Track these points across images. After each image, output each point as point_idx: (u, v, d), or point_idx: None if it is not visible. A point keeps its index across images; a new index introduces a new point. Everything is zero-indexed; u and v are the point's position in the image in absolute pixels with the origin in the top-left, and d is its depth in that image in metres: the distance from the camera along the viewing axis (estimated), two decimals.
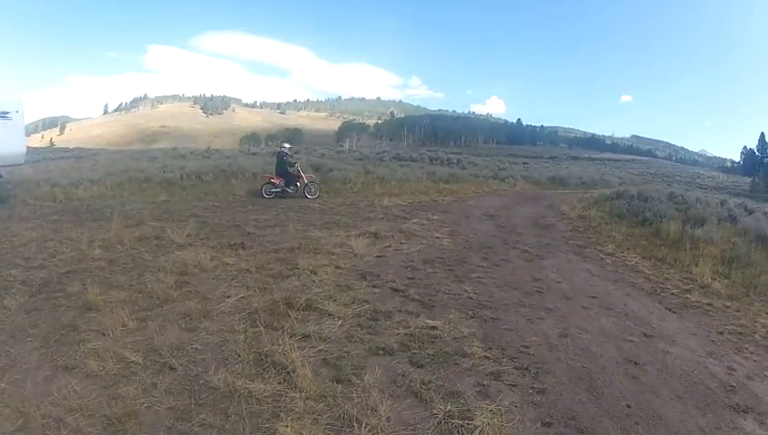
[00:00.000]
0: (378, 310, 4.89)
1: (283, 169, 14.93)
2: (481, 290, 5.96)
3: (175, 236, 7.54)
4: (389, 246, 7.89)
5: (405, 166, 25.77)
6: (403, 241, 8.34)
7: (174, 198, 12.70)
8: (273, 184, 14.59)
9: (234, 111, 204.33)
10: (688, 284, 7.21)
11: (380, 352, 4.01)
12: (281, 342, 3.91)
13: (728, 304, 6.33)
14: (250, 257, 6.63)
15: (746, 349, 4.91)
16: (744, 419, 3.55)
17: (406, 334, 4.37)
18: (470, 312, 5.15)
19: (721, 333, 5.30)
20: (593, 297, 6.13)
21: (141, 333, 4.16)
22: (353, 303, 5.03)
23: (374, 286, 5.70)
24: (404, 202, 13.92)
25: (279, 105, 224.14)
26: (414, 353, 4.01)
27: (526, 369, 3.92)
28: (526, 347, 4.35)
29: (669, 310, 5.99)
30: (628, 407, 3.53)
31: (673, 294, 6.69)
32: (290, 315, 4.46)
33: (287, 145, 16.61)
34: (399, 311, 4.95)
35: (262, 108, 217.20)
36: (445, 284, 6.11)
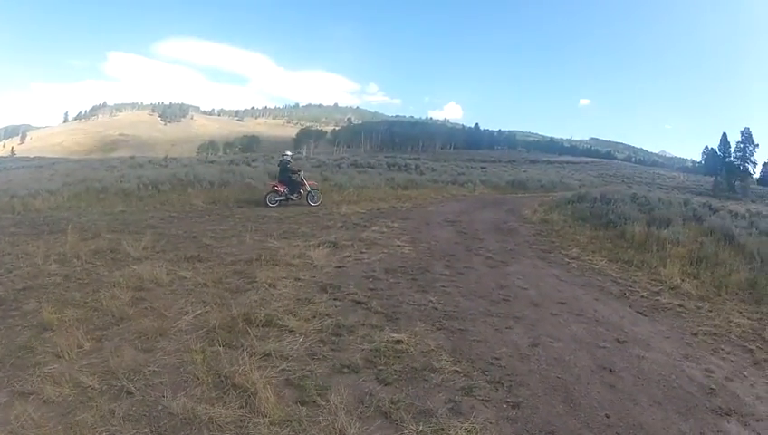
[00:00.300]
0: (340, 324, 4.88)
1: (286, 176, 15.63)
2: (446, 300, 5.98)
3: (131, 249, 7.59)
4: (350, 256, 7.97)
5: (363, 172, 26.54)
6: (363, 250, 8.46)
7: (131, 209, 12.93)
8: (278, 192, 15.25)
9: (192, 118, 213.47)
10: (657, 285, 7.45)
11: (345, 369, 3.97)
12: (241, 362, 3.85)
13: (700, 304, 6.56)
14: (207, 271, 6.65)
15: (722, 350, 5.06)
16: (728, 422, 3.62)
17: (371, 350, 4.35)
18: (436, 323, 5.13)
19: (695, 334, 5.46)
20: (562, 303, 6.23)
21: (97, 355, 4.12)
22: (314, 317, 5.03)
23: (335, 299, 5.72)
24: (363, 210, 14.20)
25: (237, 112, 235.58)
26: (380, 370, 3.98)
27: (499, 382, 3.90)
28: (497, 359, 4.34)
29: (640, 313, 6.15)
30: (608, 417, 3.54)
31: (643, 296, 6.88)
32: (249, 333, 4.43)
33: (289, 153, 17.43)
34: (363, 325, 4.95)
35: (220, 115, 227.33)
36: (408, 294, 6.11)
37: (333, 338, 4.57)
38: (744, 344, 5.26)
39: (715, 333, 5.51)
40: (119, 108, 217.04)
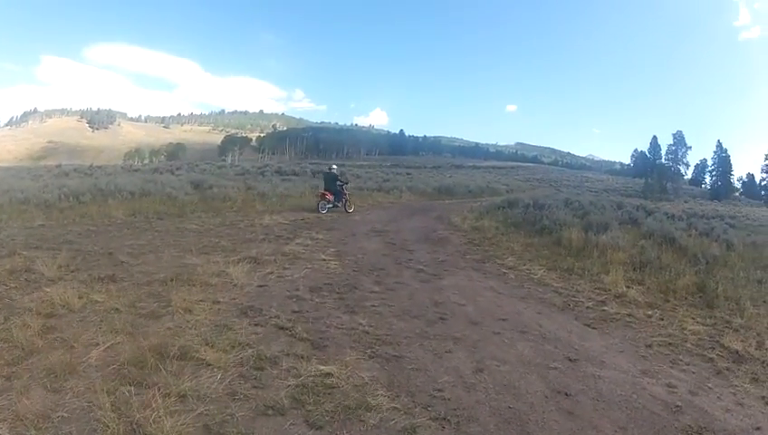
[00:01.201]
0: (262, 355, 4.64)
1: (333, 186, 18.52)
2: (377, 322, 5.78)
3: (45, 269, 7.30)
4: (272, 273, 7.87)
5: (287, 180, 27.69)
6: (286, 266, 8.41)
7: (50, 222, 12.59)
8: (327, 200, 18.11)
9: (119, 125, 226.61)
10: (602, 294, 7.59)
11: (270, 411, 3.73)
12: (153, 405, 3.60)
13: (649, 312, 6.70)
14: (121, 293, 6.40)
15: (681, 361, 5.13)
16: None
17: (297, 386, 4.08)
18: (368, 351, 4.91)
19: (649, 346, 5.51)
20: (503, 320, 6.16)
21: (6, 396, 3.82)
22: (234, 348, 4.79)
23: (257, 325, 5.51)
24: (286, 220, 14.41)
25: (163, 119, 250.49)
26: (309, 411, 3.74)
27: (444, 419, 3.67)
28: (439, 390, 4.11)
29: (588, 326, 6.18)
30: None
31: (588, 307, 6.96)
32: (162, 369, 4.18)
33: (335, 166, 20.05)
34: (287, 355, 4.71)
35: (146, 122, 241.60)
36: (336, 316, 5.93)
37: (255, 373, 4.31)
38: (702, 353, 5.36)
39: (670, 343, 5.60)
40: (49, 114, 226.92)
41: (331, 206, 18.04)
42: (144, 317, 5.56)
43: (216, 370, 4.27)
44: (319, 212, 17.30)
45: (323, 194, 18.25)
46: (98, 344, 4.73)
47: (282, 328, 5.42)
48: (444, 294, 7.13)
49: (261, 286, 7.06)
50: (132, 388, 3.87)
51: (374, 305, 6.39)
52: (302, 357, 4.65)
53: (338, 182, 18.71)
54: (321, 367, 4.40)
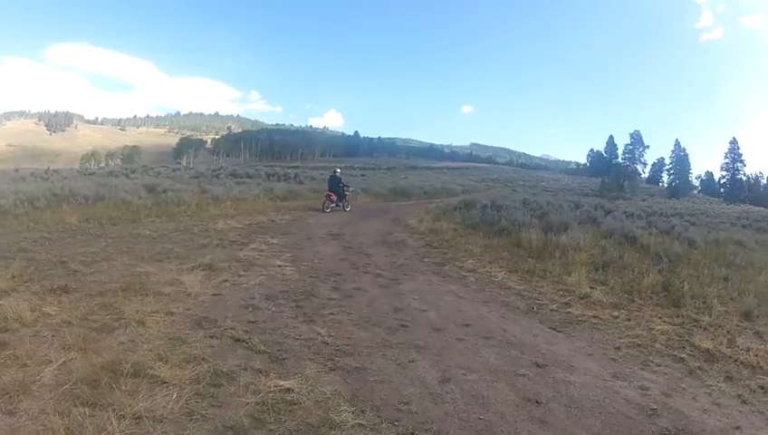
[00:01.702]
0: (219, 371, 4.48)
1: (337, 187, 21.37)
2: (337, 331, 5.67)
3: None
4: (226, 281, 7.76)
5: (241, 183, 27.72)
6: (241, 273, 8.31)
7: (5, 229, 12.44)
8: (332, 200, 20.86)
9: (76, 127, 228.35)
10: (565, 296, 7.68)
11: (229, 432, 3.62)
12: (109, 428, 3.48)
13: (615, 313, 6.80)
14: (73, 305, 6.24)
15: (652, 362, 5.20)
16: None
17: (257, 403, 3.94)
18: (329, 362, 4.79)
19: (618, 348, 5.57)
20: (467, 325, 6.14)
21: None
22: (189, 362, 4.65)
23: (212, 337, 5.38)
24: (241, 224, 14.37)
25: (120, 121, 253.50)
26: (271, 430, 3.62)
27: (413, 434, 3.58)
28: (406, 403, 4.01)
29: (554, 329, 6.22)
30: None
31: (552, 310, 7.02)
32: (115, 388, 4.02)
33: (339, 169, 23.47)
34: (245, 369, 4.57)
35: (103, 124, 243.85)
36: (293, 326, 5.81)
37: (212, 390, 4.15)
38: (672, 353, 5.46)
39: (639, 344, 5.68)
40: (7, 116, 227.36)
41: (334, 205, 20.68)
42: (97, 331, 5.40)
43: (171, 387, 4.12)
44: (324, 211, 19.87)
45: (329, 195, 20.90)
46: (51, 362, 4.58)
47: (238, 340, 5.29)
48: (404, 300, 7.07)
49: (215, 295, 6.93)
50: (86, 409, 3.73)
51: (332, 314, 6.29)
52: (260, 371, 4.52)
53: (341, 184, 21.50)
54: (281, 382, 4.27)
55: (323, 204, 20.52)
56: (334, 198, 20.87)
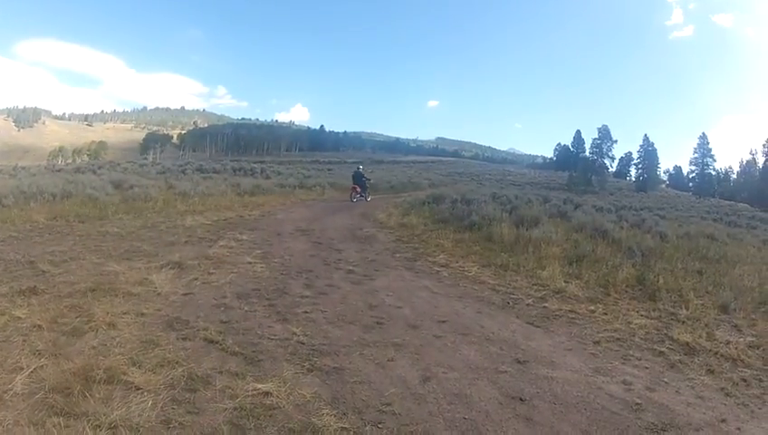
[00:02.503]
0: (194, 375, 4.37)
1: (360, 180, 24.99)
2: (312, 330, 5.58)
3: None
4: (196, 279, 7.63)
5: (208, 178, 28.28)
6: (211, 270, 8.20)
7: None
8: (357, 191, 24.49)
9: (44, 123, 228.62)
10: (540, 290, 7.72)
11: None
12: None
13: (592, 307, 6.84)
14: (43, 307, 6.08)
15: (632, 356, 5.23)
16: None
17: (235, 408, 3.84)
18: (306, 363, 4.69)
19: (597, 342, 5.59)
20: (443, 322, 6.11)
21: None
22: (163, 366, 4.53)
23: (184, 338, 5.25)
24: (209, 220, 14.22)
25: (87, 117, 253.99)
26: None
27: None
28: (388, 404, 3.94)
29: (531, 324, 6.23)
30: None
31: (528, 304, 7.05)
32: (89, 396, 3.92)
33: (362, 166, 28.12)
34: (220, 373, 4.46)
35: (71, 120, 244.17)
36: (267, 326, 5.70)
37: (188, 395, 4.04)
38: (652, 347, 5.50)
39: (618, 339, 5.72)
40: None
41: (359, 196, 24.26)
42: (67, 335, 5.26)
43: (146, 394, 4.01)
44: (351, 201, 23.42)
45: (354, 188, 24.73)
46: (23, 369, 4.43)
47: (211, 341, 5.18)
48: (378, 297, 7.02)
49: (186, 294, 6.81)
50: (61, 419, 3.63)
51: (306, 312, 6.21)
52: (236, 375, 4.43)
53: (364, 178, 25.27)
54: (258, 385, 4.18)
55: (350, 195, 24.28)
56: (359, 189, 24.40)
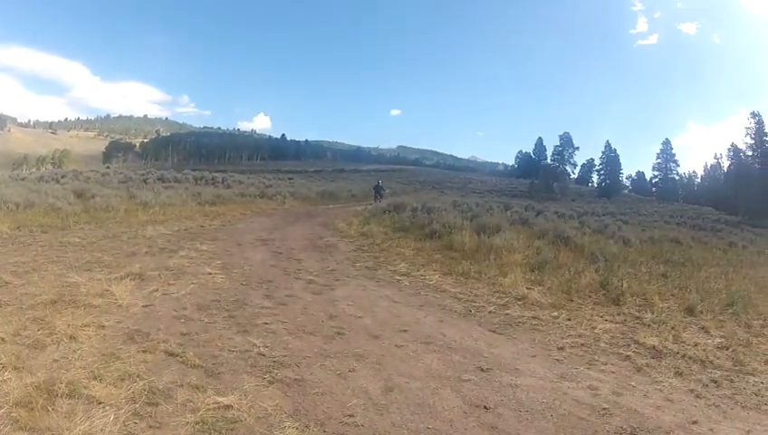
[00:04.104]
0: (154, 388, 4.30)
1: (380, 191, 31.85)
2: (272, 341, 5.53)
3: None
4: (157, 290, 7.53)
5: (169, 188, 28.12)
6: (171, 281, 8.11)
7: None
8: (377, 198, 29.35)
9: (9, 131, 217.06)
10: (503, 297, 7.76)
11: None
12: None
13: (555, 313, 6.91)
14: (6, 319, 5.99)
15: (598, 361, 5.28)
16: None
17: (197, 422, 3.80)
18: (267, 375, 4.63)
19: (561, 348, 5.64)
20: (404, 331, 6.09)
21: None
22: (124, 380, 4.47)
23: (145, 351, 5.17)
24: (169, 230, 14.13)
25: (51, 124, 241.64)
26: None
27: None
28: (350, 416, 3.89)
29: (494, 332, 6.25)
30: None
31: (491, 312, 7.08)
32: (51, 410, 3.87)
33: (381, 181, 35.50)
34: (181, 386, 4.39)
35: (35, 128, 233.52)
36: (228, 337, 5.64)
37: (150, 409, 3.98)
38: (618, 352, 5.58)
39: (582, 344, 5.77)
40: None
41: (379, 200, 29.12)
42: (29, 348, 5.18)
43: (108, 408, 3.94)
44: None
45: (375, 196, 30.98)
46: None
47: (172, 354, 5.11)
48: (338, 307, 6.97)
49: (146, 306, 6.72)
50: (26, 434, 3.63)
51: (267, 323, 6.16)
52: (197, 388, 4.37)
53: (382, 190, 32.32)
54: (219, 398, 4.13)
55: (374, 199, 29.66)
56: (378, 197, 30.13)
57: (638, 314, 6.91)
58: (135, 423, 3.80)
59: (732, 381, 4.93)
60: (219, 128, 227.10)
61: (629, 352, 5.51)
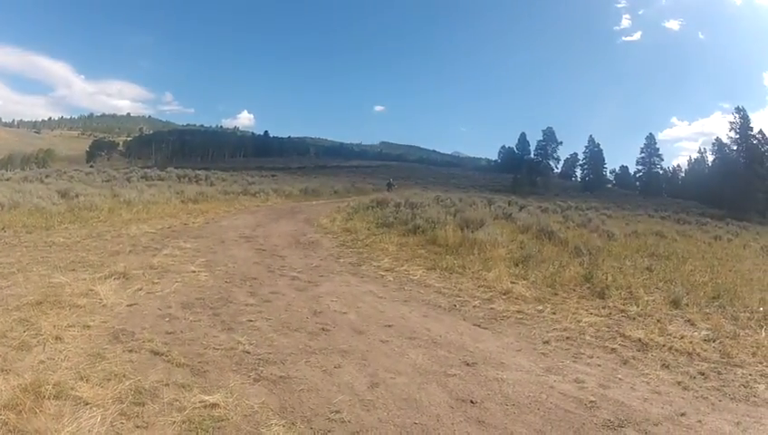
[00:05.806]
0: (141, 388, 4.29)
1: (390, 186, 41.07)
2: (257, 338, 5.51)
3: None
4: (141, 289, 7.48)
5: (153, 186, 27.82)
6: (156, 280, 8.05)
7: None
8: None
9: None
10: (487, 292, 7.78)
11: None
12: None
13: (540, 307, 6.93)
14: None
15: (583, 354, 5.30)
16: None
17: (183, 421, 3.79)
18: (252, 373, 4.62)
19: (547, 342, 5.65)
20: (389, 326, 6.08)
21: None
22: (110, 380, 4.45)
23: (130, 350, 5.15)
24: (153, 229, 14.02)
25: (35, 124, 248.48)
26: None
27: None
28: (337, 412, 3.88)
29: (479, 326, 6.25)
30: None
31: (475, 306, 7.08)
32: (39, 412, 3.88)
33: (392, 179, 49.29)
34: (167, 385, 4.38)
35: (19, 127, 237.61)
36: (213, 335, 5.62)
37: (137, 409, 3.97)
38: (603, 345, 5.60)
39: (568, 337, 5.79)
40: None
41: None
42: (16, 349, 5.15)
43: (95, 409, 3.94)
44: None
45: (389, 190, 37.27)
46: None
47: (157, 353, 5.09)
48: (323, 303, 6.95)
49: (131, 305, 6.69)
50: None
51: (251, 320, 6.14)
52: (183, 386, 4.35)
53: (393, 185, 40.54)
54: (206, 397, 4.12)
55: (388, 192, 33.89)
56: (390, 192, 32.86)
57: (623, 307, 6.95)
58: (122, 423, 3.80)
59: (719, 373, 4.97)
60: (203, 125, 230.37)
61: (615, 345, 5.53)
